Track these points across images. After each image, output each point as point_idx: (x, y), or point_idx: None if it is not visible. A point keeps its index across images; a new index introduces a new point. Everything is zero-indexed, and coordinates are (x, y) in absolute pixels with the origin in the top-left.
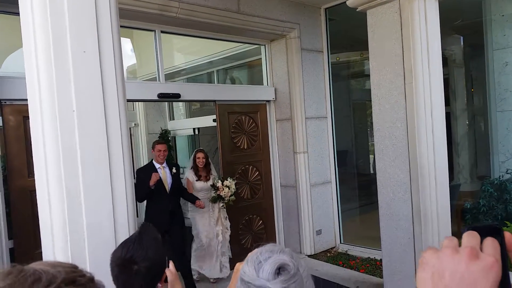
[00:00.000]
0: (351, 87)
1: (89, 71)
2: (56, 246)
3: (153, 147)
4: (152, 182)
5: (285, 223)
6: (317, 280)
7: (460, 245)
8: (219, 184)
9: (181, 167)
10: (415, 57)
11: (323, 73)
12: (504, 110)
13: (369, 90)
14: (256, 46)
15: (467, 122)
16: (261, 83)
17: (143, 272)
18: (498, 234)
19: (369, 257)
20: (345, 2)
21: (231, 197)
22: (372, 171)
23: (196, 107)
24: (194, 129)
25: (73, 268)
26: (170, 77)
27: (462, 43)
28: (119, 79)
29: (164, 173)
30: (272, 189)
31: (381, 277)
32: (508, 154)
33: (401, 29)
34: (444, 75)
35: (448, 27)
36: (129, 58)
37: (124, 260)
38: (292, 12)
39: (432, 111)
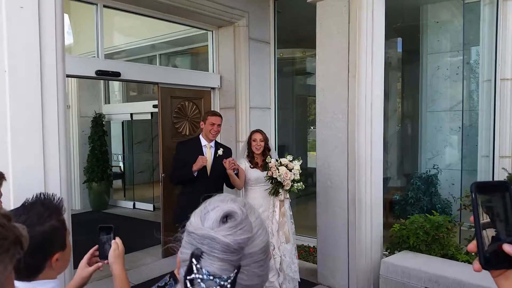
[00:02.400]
0: (294, 82)
1: (25, 29)
2: None
3: (204, 119)
4: (196, 167)
5: None
6: None
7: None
8: (271, 162)
9: (114, 154)
10: (360, 51)
11: (269, 64)
12: (434, 110)
13: (310, 86)
14: (203, 31)
15: (398, 123)
16: (205, 71)
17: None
18: (506, 190)
19: (303, 244)
20: None
21: (295, 184)
22: (308, 166)
23: (134, 93)
24: (131, 114)
25: None
26: (108, 57)
27: (398, 46)
28: (59, 39)
29: (209, 153)
30: None
31: (315, 262)
32: (435, 152)
33: (349, 23)
34: None
35: (388, 29)
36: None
37: None
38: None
39: (372, 104)
